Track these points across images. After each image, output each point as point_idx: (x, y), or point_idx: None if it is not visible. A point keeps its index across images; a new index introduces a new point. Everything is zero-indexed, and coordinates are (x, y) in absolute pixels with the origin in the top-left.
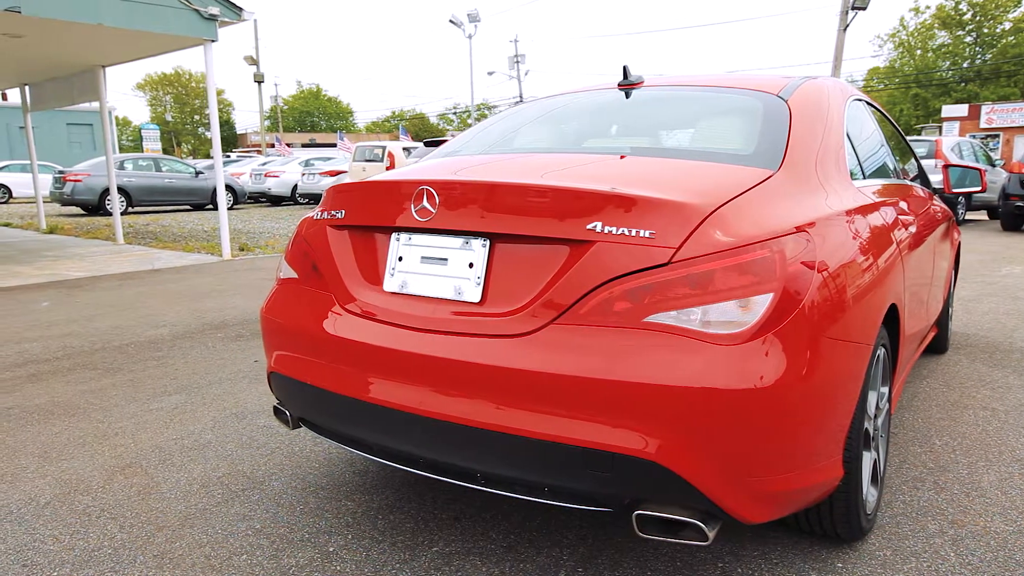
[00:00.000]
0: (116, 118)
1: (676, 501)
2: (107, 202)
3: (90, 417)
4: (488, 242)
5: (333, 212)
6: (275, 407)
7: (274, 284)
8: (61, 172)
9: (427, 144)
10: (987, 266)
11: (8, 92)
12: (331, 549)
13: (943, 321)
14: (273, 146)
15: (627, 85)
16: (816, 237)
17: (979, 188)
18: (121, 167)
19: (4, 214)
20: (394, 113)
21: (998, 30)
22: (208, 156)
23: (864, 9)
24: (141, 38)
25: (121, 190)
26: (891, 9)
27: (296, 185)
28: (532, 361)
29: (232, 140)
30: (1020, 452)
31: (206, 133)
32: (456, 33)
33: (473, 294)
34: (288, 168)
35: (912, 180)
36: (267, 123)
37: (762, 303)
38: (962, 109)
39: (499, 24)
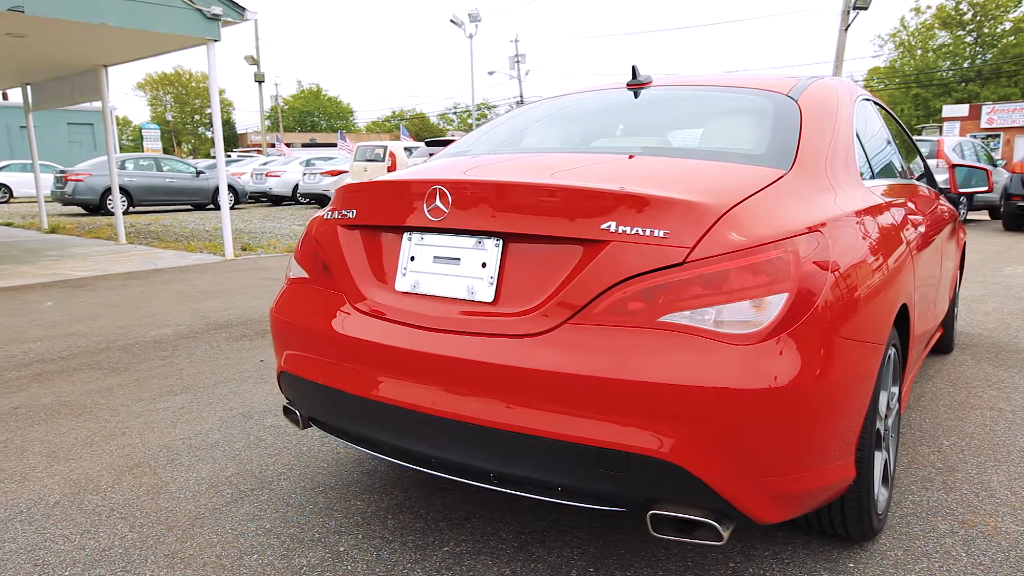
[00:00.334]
0: (116, 118)
1: (691, 501)
2: (108, 202)
3: (97, 417)
4: (501, 242)
5: (344, 212)
6: (285, 407)
7: (284, 284)
8: (62, 172)
9: (429, 144)
10: (990, 266)
11: (9, 92)
12: (342, 549)
13: (949, 321)
14: (273, 146)
15: (636, 85)
16: (829, 237)
17: (986, 188)
18: (122, 167)
19: (5, 214)
20: (394, 113)
21: (999, 30)
22: (208, 156)
23: (865, 9)
24: (144, 38)
25: (122, 190)
26: (892, 9)
27: (297, 185)
28: (546, 361)
29: (232, 140)
30: None
31: (206, 133)
32: (456, 33)
33: (486, 294)
34: (289, 168)
35: (918, 179)
36: (267, 123)
37: (776, 303)
38: (963, 109)
39: (500, 24)
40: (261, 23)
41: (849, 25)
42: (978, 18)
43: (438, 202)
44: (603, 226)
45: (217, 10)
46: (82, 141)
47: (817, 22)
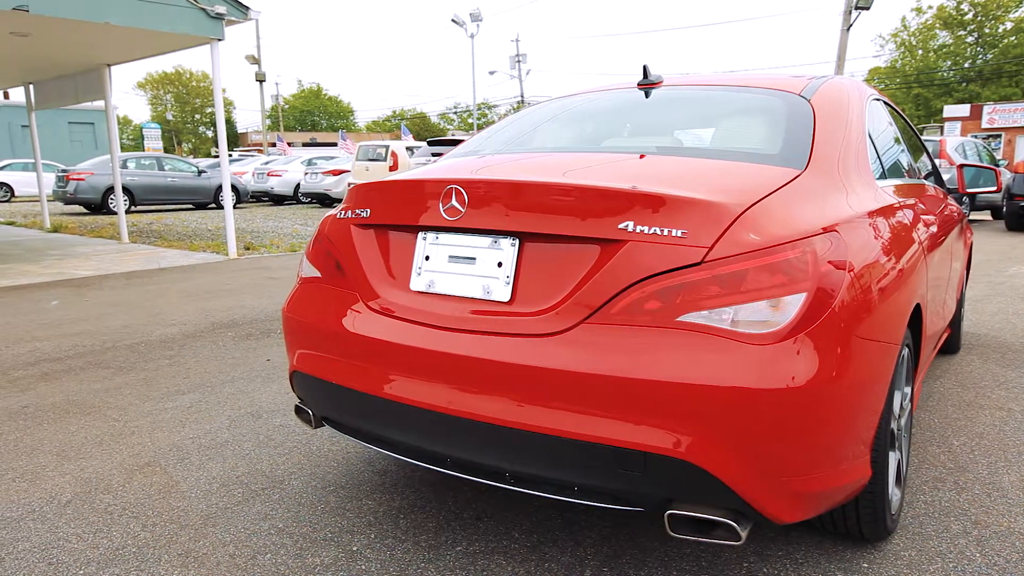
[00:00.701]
0: (117, 117)
1: (709, 501)
2: (110, 201)
3: (105, 416)
4: (517, 241)
5: (358, 211)
6: (297, 406)
7: (296, 283)
8: (64, 171)
9: (430, 143)
10: (993, 266)
11: (11, 91)
12: (355, 548)
13: (956, 321)
14: (274, 145)
15: (647, 84)
16: (845, 237)
17: (995, 188)
18: (124, 166)
19: (7, 213)
20: (395, 112)
21: (999, 30)
22: (208, 155)
23: (867, 9)
24: (148, 37)
25: (124, 189)
26: (893, 9)
27: (299, 184)
28: (563, 360)
29: (233, 139)
30: None
31: (206, 132)
32: (457, 32)
33: (502, 293)
34: (291, 167)
35: (926, 178)
36: (268, 122)
37: (795, 303)
38: (964, 109)
39: (500, 23)
40: (262, 22)
41: (851, 25)
42: (979, 18)
43: (454, 201)
44: (621, 226)
45: (221, 9)
46: (83, 140)
47: (818, 22)
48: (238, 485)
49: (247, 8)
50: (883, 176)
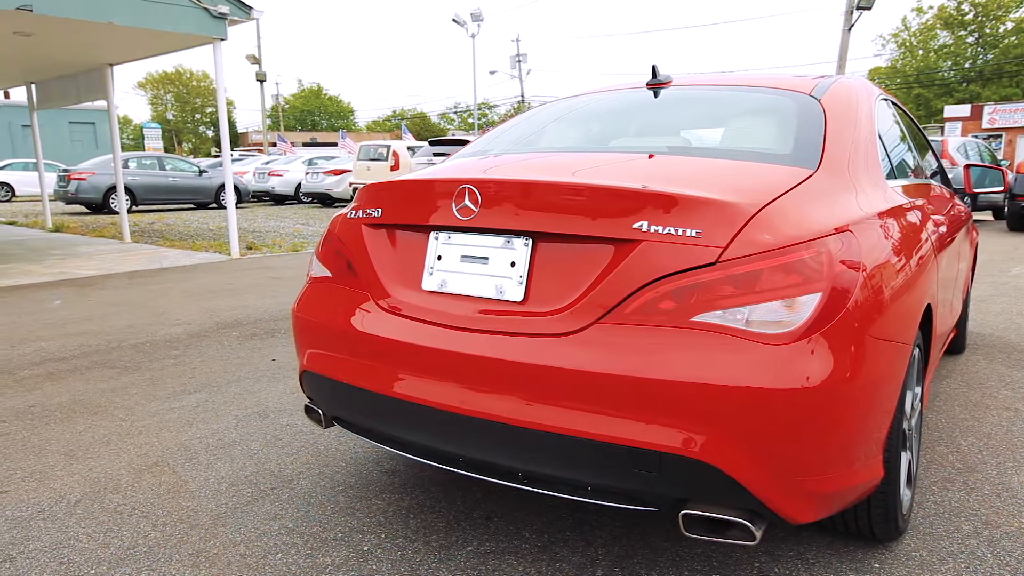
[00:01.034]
0: (117, 117)
1: (723, 501)
2: (111, 201)
3: (112, 415)
4: (531, 241)
5: (369, 211)
6: (307, 406)
7: (305, 282)
8: (66, 171)
9: (432, 143)
10: (996, 266)
11: (12, 90)
12: (365, 548)
13: (961, 322)
14: (275, 145)
15: (656, 84)
16: (859, 237)
17: (1001, 188)
18: (126, 166)
19: (8, 212)
20: (395, 112)
21: (1000, 30)
22: (208, 155)
23: (869, 9)
24: (151, 37)
25: (126, 188)
26: (893, 9)
27: (300, 184)
28: (577, 360)
29: (233, 139)
30: None
31: (207, 132)
32: (457, 32)
33: (515, 293)
34: (292, 167)
35: (931, 178)
36: (268, 122)
37: (810, 303)
38: (964, 109)
39: (501, 23)
40: (262, 22)
41: (853, 25)
42: (979, 18)
43: (467, 201)
44: (635, 225)
45: (224, 9)
46: (83, 140)
47: (819, 22)
48: (247, 485)
49: (250, 8)
50: (892, 176)
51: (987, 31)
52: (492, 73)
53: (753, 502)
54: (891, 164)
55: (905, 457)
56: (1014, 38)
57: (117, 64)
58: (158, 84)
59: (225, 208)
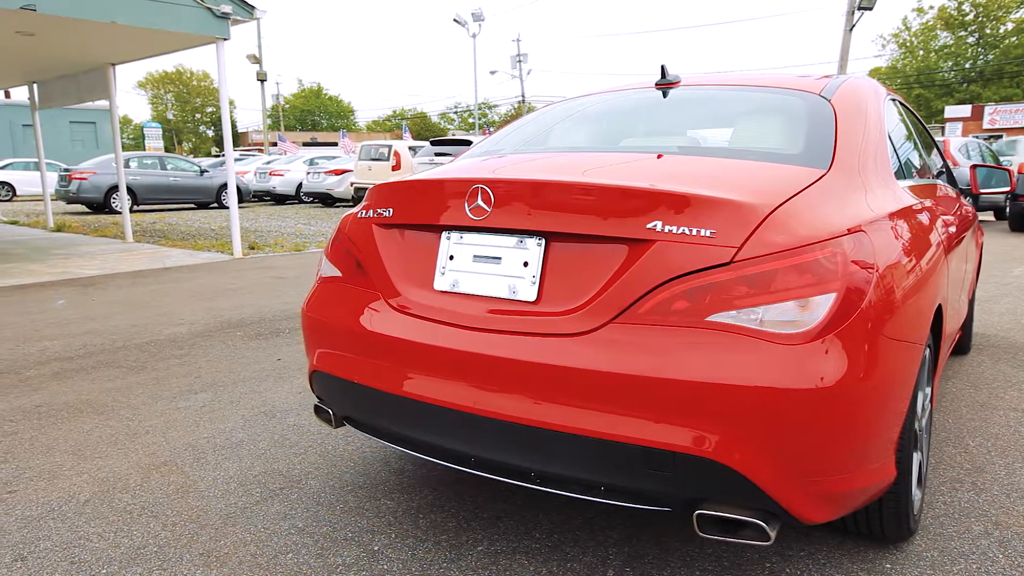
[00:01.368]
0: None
1: (737, 501)
2: (113, 200)
3: (119, 415)
4: (544, 241)
5: (380, 210)
6: (316, 406)
7: (315, 282)
8: (67, 170)
9: (433, 143)
10: (999, 266)
11: (13, 90)
12: (376, 548)
13: (967, 322)
14: (275, 144)
15: (665, 84)
16: (872, 237)
17: (1008, 188)
18: (127, 165)
19: (9, 212)
20: (395, 112)
21: (1000, 31)
22: (208, 154)
23: (870, 9)
24: (153, 36)
25: (127, 188)
26: (894, 9)
27: (301, 184)
28: (591, 360)
29: (234, 138)
30: None
31: (207, 132)
32: (457, 32)
33: (528, 293)
34: (293, 167)
35: (938, 178)
36: (268, 121)
37: (824, 303)
38: (965, 110)
39: (502, 23)
40: (263, 21)
41: (854, 25)
42: (980, 19)
43: (480, 201)
44: (649, 225)
45: (227, 8)
46: (84, 140)
47: (819, 22)
48: (256, 485)
49: (252, 7)
50: (901, 176)
51: (988, 31)
52: (493, 73)
53: (767, 502)
54: (900, 164)
55: (916, 457)
56: (1015, 38)
57: (119, 64)
58: (158, 84)
59: (226, 208)
